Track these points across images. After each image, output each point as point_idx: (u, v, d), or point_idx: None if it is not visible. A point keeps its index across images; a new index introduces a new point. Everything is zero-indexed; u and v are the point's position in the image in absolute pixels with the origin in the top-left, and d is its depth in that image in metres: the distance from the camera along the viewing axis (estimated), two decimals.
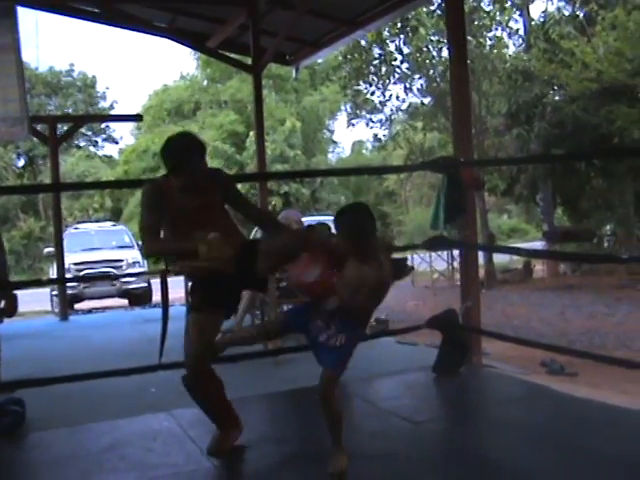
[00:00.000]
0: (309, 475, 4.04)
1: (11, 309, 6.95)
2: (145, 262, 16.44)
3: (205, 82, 40.31)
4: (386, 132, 23.17)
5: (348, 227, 3.81)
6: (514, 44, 22.53)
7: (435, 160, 7.02)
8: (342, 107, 33.35)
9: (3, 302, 6.85)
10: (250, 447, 4.40)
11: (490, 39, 20.33)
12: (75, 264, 15.02)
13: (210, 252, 3.80)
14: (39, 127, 12.97)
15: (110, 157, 43.52)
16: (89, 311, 15.12)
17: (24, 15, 10.51)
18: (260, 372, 6.44)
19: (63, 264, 12.70)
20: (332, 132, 41.21)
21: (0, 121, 10.29)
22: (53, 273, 16.30)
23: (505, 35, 21.18)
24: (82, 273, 15.29)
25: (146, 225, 4.07)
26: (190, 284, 4.40)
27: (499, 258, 19.83)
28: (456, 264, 17.95)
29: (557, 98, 20.00)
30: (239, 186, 4.78)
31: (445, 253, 18.37)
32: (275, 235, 4.36)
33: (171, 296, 7.43)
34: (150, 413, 5.41)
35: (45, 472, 4.40)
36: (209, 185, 4.18)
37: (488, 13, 20.02)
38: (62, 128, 13.67)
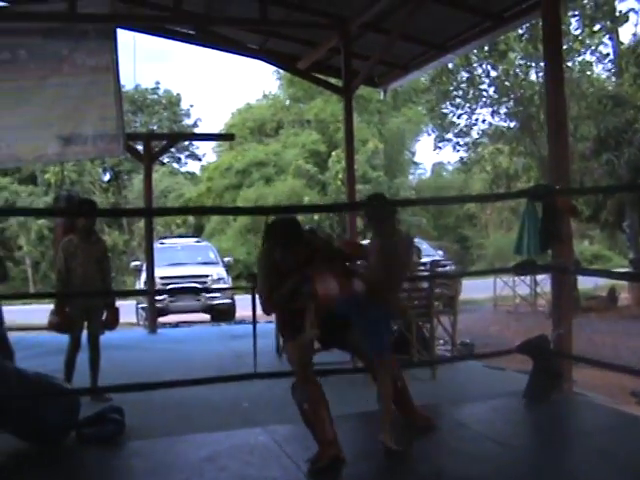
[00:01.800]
0: None
1: (113, 321, 7.21)
2: (229, 279, 16.67)
3: (288, 101, 40.72)
4: (470, 155, 23.06)
5: (374, 209, 4.96)
6: (603, 69, 22.26)
7: (534, 187, 6.99)
8: (425, 129, 33.28)
9: (106, 314, 7.12)
10: (346, 464, 4.46)
11: (579, 63, 20.10)
12: (162, 278, 15.30)
13: (327, 290, 4.48)
14: (131, 143, 13.33)
15: (193, 174, 44.20)
16: (176, 325, 15.40)
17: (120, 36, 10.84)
18: (350, 392, 6.49)
19: (153, 278, 13.01)
20: (414, 154, 41.18)
21: (98, 138, 10.65)
22: (140, 286, 16.69)
23: (594, 59, 20.93)
24: (169, 287, 15.56)
25: (264, 289, 4.80)
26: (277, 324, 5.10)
27: (583, 285, 19.48)
28: (539, 289, 17.76)
29: None
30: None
31: (528, 278, 18.13)
32: None
33: (247, 312, 7.61)
34: (245, 427, 5.53)
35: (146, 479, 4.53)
36: (310, 259, 4.69)
37: (577, 37, 19.81)
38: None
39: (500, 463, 4.51)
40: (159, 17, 11.55)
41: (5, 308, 6.88)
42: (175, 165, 44.33)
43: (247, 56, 12.95)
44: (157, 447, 5.12)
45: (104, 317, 7.19)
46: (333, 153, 31.39)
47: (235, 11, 11.19)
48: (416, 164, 42.26)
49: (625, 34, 42.14)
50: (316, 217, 30.88)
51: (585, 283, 20.06)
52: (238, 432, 5.42)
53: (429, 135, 26.79)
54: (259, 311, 7.21)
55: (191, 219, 36.21)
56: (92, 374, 7.00)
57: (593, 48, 20.30)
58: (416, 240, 17.58)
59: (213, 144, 42.38)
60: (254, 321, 6.21)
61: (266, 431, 5.32)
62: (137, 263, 18.10)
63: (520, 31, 18.52)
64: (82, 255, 7.02)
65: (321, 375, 4.88)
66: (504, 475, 4.19)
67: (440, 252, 20.49)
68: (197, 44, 12.56)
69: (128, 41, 14.87)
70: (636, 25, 32.75)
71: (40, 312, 8.15)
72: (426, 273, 8.34)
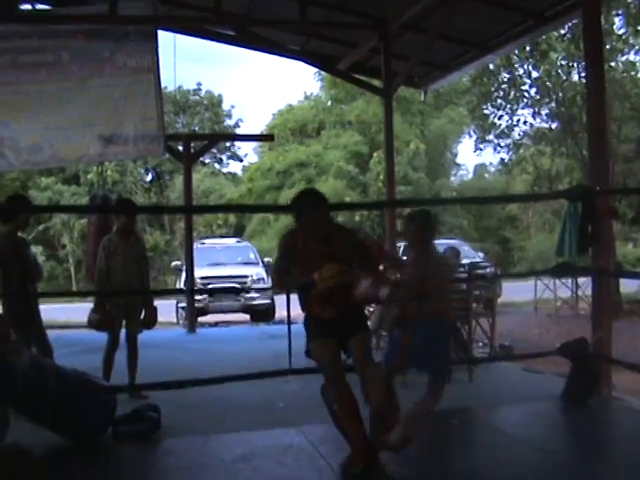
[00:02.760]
0: None
1: (151, 320, 7.27)
2: (269, 279, 16.71)
3: (329, 103, 40.71)
4: (512, 156, 22.83)
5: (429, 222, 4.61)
6: None
7: (573, 188, 6.92)
8: (466, 130, 33.09)
9: (144, 312, 7.18)
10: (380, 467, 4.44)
11: (622, 63, 19.80)
12: (202, 278, 15.39)
13: (324, 273, 4.43)
14: (172, 144, 13.44)
15: (234, 174, 44.38)
16: (215, 324, 15.48)
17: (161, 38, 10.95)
18: None
19: (193, 277, 13.10)
20: (455, 155, 40.95)
21: (139, 138, 10.76)
22: (180, 286, 16.81)
23: (638, 59, 20.61)
24: (208, 287, 15.65)
25: (277, 267, 4.93)
26: (304, 320, 4.88)
27: (625, 288, 19.22)
28: (580, 292, 17.54)
29: None
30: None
31: (570, 281, 17.93)
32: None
33: (294, 313, 7.64)
34: (280, 428, 5.54)
35: (181, 477, 4.55)
36: (333, 237, 4.75)
37: (620, 37, 19.52)
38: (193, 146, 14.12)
39: (533, 468, 4.46)
40: (199, 18, 11.65)
41: (48, 306, 6.98)
42: (217, 166, 44.53)
43: (287, 57, 12.98)
44: (191, 446, 5.14)
45: (143, 316, 7.26)
46: (374, 154, 31.30)
47: (275, 12, 11.21)
48: (458, 165, 42.07)
49: None
50: (357, 218, 30.88)
51: (629, 286, 19.81)
52: (272, 432, 5.44)
53: (470, 137, 26.53)
54: (297, 311, 7.27)
55: (232, 219, 36.37)
56: (130, 372, 7.07)
57: (637, 48, 19.97)
58: (456, 242, 17.59)
59: (255, 145, 42.58)
60: (289, 321, 6.24)
61: (301, 431, 5.33)
62: (177, 263, 18.22)
63: (562, 31, 18.31)
64: (122, 254, 7.10)
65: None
66: None
67: (481, 254, 20.38)
68: (237, 45, 12.63)
69: (169, 42, 14.96)
70: None
71: (82, 310, 8.23)
72: (464, 275, 8.27)
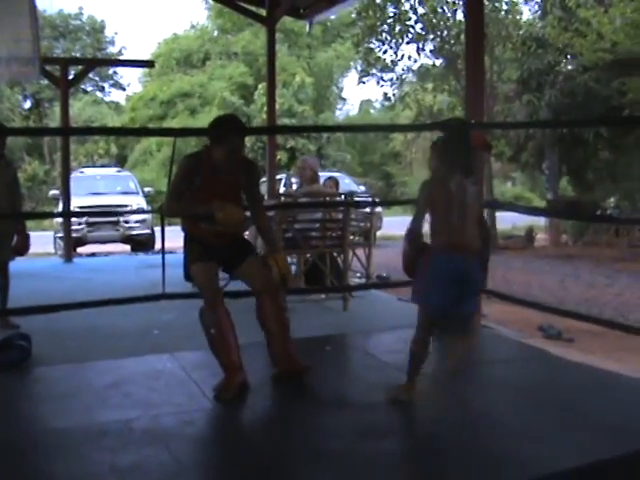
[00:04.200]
0: (302, 417, 4.18)
1: (23, 247, 7.05)
2: (149, 209, 16.49)
3: (216, 33, 40.02)
4: (396, 92, 22.98)
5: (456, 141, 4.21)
6: (530, 10, 22.36)
7: (446, 121, 7.02)
8: (353, 65, 33.15)
9: (16, 239, 6.96)
10: (253, 390, 4.51)
11: (506, 4, 20.11)
12: (80, 208, 15.01)
13: (226, 217, 4.39)
14: (49, 68, 12.92)
15: (117, 104, 43.25)
16: (92, 254, 15.19)
17: None
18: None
19: (69, 205, 12.74)
20: (341, 89, 41.03)
21: (12, 60, 10.27)
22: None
23: (521, 1, 20.98)
24: (86, 217, 15.32)
25: (173, 190, 4.67)
26: (185, 241, 4.79)
27: (501, 225, 19.85)
28: None
29: (570, 67, 19.87)
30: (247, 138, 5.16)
31: None
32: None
33: (172, 244, 7.57)
34: (153, 354, 5.50)
35: (49, 406, 4.47)
36: (238, 167, 4.69)
37: None
38: (72, 72, 13.60)
39: None
40: None
41: None
42: (99, 94, 43.28)
43: None
44: (62, 374, 5.06)
45: (14, 243, 7.04)
46: (259, 86, 31.01)
47: None
48: (344, 100, 42.21)
49: None
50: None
51: (503, 224, 20.47)
52: (145, 358, 5.40)
53: (357, 71, 26.58)
54: (174, 242, 7.21)
55: (114, 150, 35.55)
56: (1, 300, 6.88)
57: None
58: (339, 174, 17.70)
59: (139, 74, 41.63)
60: (163, 249, 6.22)
61: (174, 357, 5.31)
62: (55, 192, 17.74)
63: None
64: None
65: (231, 298, 4.90)
66: (402, 403, 4.27)
67: (362, 187, 20.61)
68: None
69: None
70: None
71: None
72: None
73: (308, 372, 4.70)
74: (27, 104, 38.92)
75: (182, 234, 4.75)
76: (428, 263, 4.02)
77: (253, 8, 12.49)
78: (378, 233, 16.23)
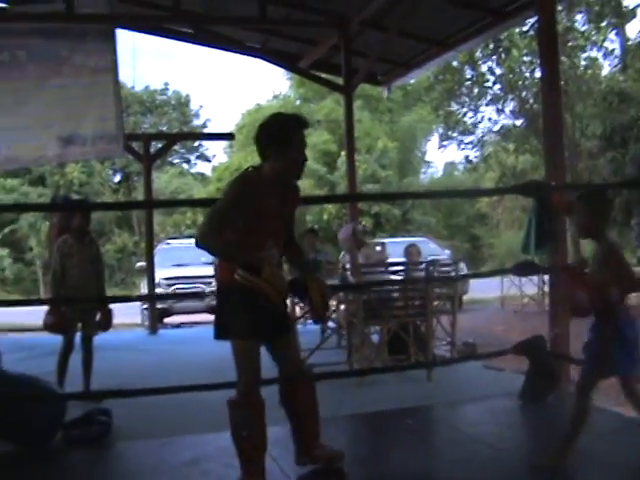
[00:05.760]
0: None
1: (107, 323, 7.17)
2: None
3: (298, 102, 40.68)
4: (477, 154, 22.92)
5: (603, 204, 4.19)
6: (609, 65, 22.11)
7: (526, 184, 6.89)
8: (435, 128, 33.21)
9: (99, 315, 7.08)
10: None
11: (584, 60, 19.94)
12: (165, 279, 15.24)
13: (270, 278, 3.72)
14: (134, 145, 13.29)
15: (203, 175, 44.25)
16: (178, 326, 15.34)
17: (122, 36, 10.83)
18: (343, 392, 6.42)
19: (153, 279, 12.95)
20: (424, 153, 41.10)
21: (97, 138, 10.64)
22: (144, 287, 16.65)
23: (600, 56, 20.77)
24: (172, 288, 15.53)
25: (219, 218, 3.80)
26: (220, 301, 4.09)
27: None
28: (547, 289, 17.59)
29: None
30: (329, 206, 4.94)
31: (536, 277, 17.97)
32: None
33: None
34: None
35: None
36: (294, 193, 4.12)
37: (582, 33, 19.63)
38: (156, 146, 13.97)
39: (486, 466, 4.41)
40: (158, 17, 11.54)
41: (13, 310, 6.83)
42: (185, 166, 44.39)
43: (248, 55, 12.87)
44: (141, 449, 5.06)
45: (98, 318, 7.16)
46: (342, 153, 31.30)
47: (234, 10, 11.16)
48: (427, 163, 42.23)
49: (632, 30, 41.83)
50: (325, 217, 30.87)
51: None
52: (225, 434, 5.34)
53: (439, 134, 26.68)
54: None
55: (200, 219, 36.15)
56: (84, 376, 6.96)
57: (599, 45, 20.12)
58: (422, 240, 17.57)
59: (224, 145, 42.46)
60: None
61: None
62: (142, 264, 18.04)
63: (524, 28, 18.41)
64: (77, 256, 7.00)
65: (316, 380, 4.71)
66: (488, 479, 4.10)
67: (447, 251, 20.39)
68: (197, 43, 12.52)
69: (135, 41, 14.84)
70: None
71: (41, 313, 8.08)
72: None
73: (342, 459, 4.29)
74: (117, 178, 40.17)
75: None
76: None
77: (331, 77, 12.65)
78: (465, 297, 15.99)
